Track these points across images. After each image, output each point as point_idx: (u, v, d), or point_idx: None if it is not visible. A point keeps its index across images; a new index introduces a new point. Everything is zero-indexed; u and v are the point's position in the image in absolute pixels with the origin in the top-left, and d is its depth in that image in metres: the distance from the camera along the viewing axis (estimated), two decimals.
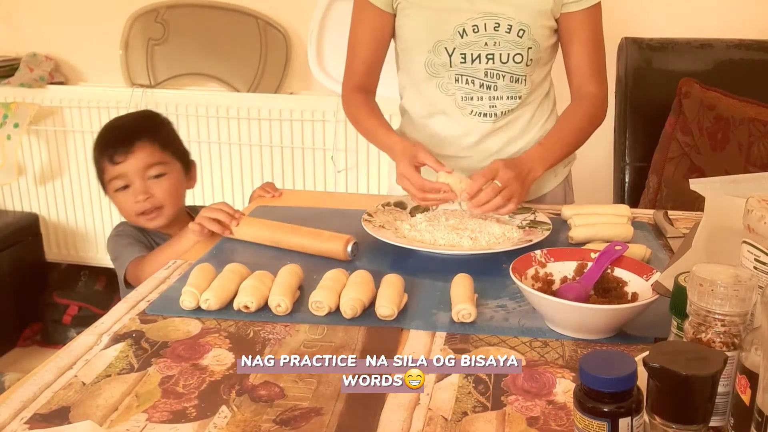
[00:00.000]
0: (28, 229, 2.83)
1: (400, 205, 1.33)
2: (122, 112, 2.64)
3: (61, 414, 0.74)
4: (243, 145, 2.60)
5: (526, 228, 1.23)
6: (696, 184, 1.07)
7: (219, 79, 2.63)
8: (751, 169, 1.90)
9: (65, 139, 2.76)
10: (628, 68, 2.04)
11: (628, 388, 0.56)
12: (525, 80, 1.35)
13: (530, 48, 1.32)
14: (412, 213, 1.31)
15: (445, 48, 1.32)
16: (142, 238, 1.46)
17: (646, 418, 0.57)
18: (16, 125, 2.69)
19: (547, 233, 1.18)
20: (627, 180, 2.07)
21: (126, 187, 1.44)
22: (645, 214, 1.39)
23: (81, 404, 0.76)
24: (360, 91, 1.44)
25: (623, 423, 0.56)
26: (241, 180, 2.63)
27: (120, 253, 1.41)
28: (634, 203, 2.00)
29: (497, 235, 1.20)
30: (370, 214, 1.25)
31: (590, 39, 1.36)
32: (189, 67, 2.65)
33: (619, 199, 2.05)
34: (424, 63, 1.36)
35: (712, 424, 0.62)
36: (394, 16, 1.37)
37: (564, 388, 0.79)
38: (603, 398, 0.56)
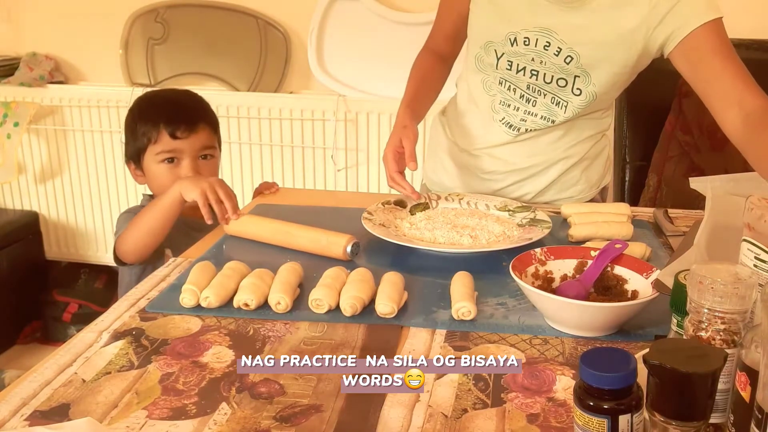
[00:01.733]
0: (29, 227, 2.83)
1: (400, 203, 1.33)
2: (122, 112, 2.65)
3: (61, 411, 0.74)
4: (243, 144, 2.60)
5: (526, 226, 1.23)
6: (696, 183, 1.07)
7: (219, 78, 2.63)
8: (750, 168, 1.89)
9: (65, 138, 2.76)
10: None
11: (628, 385, 0.56)
12: (566, 107, 1.30)
13: (577, 77, 1.26)
14: (412, 211, 1.31)
15: (495, 50, 1.30)
16: None
17: (646, 415, 0.57)
18: (16, 124, 2.69)
19: (547, 231, 1.18)
20: (627, 178, 2.07)
21: (172, 161, 1.44)
22: (645, 212, 1.39)
23: (81, 401, 0.76)
24: (431, 52, 1.46)
25: (623, 420, 0.56)
26: (241, 179, 2.63)
27: (119, 229, 1.41)
28: (634, 202, 2.00)
29: (497, 233, 1.20)
30: (370, 213, 1.25)
31: (722, 54, 1.18)
32: (189, 67, 2.65)
33: (619, 197, 2.05)
34: (474, 56, 1.35)
35: (712, 421, 0.62)
36: None
37: (564, 385, 0.78)
38: (603, 395, 0.56)
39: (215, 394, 0.77)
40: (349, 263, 1.11)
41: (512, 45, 1.28)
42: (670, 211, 1.35)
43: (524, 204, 1.33)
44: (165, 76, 2.65)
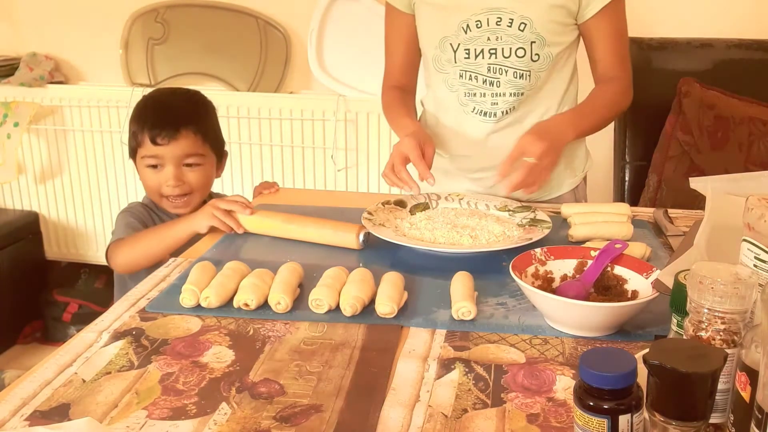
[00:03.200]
0: (29, 227, 2.83)
1: (400, 203, 1.33)
2: (122, 112, 2.66)
3: (61, 411, 0.74)
4: (243, 144, 2.60)
5: (526, 226, 1.23)
6: (696, 183, 1.07)
7: (219, 78, 2.63)
8: (751, 167, 1.90)
9: (65, 138, 2.76)
10: None
11: (628, 385, 0.56)
12: (529, 76, 1.34)
13: (533, 42, 1.31)
14: (412, 211, 1.31)
15: (450, 44, 1.34)
16: (149, 222, 1.44)
17: (646, 415, 0.57)
18: (16, 124, 2.69)
19: (547, 231, 1.18)
20: (627, 178, 2.07)
21: (157, 166, 1.42)
22: (645, 212, 1.39)
23: (81, 401, 0.76)
24: (395, 89, 1.48)
25: (623, 420, 0.56)
26: (241, 179, 2.63)
27: (117, 229, 1.40)
28: (634, 202, 2.01)
29: (497, 233, 1.20)
30: (370, 213, 1.25)
31: (613, 33, 1.36)
32: (189, 67, 2.65)
33: (619, 197, 2.05)
34: (431, 59, 1.38)
35: (712, 420, 0.62)
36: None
37: (564, 385, 0.79)
38: (603, 395, 0.56)
39: (215, 394, 0.77)
40: (349, 263, 1.11)
41: (466, 32, 1.32)
42: (670, 211, 1.35)
43: (524, 204, 1.33)
44: (165, 76, 2.65)
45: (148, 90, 2.53)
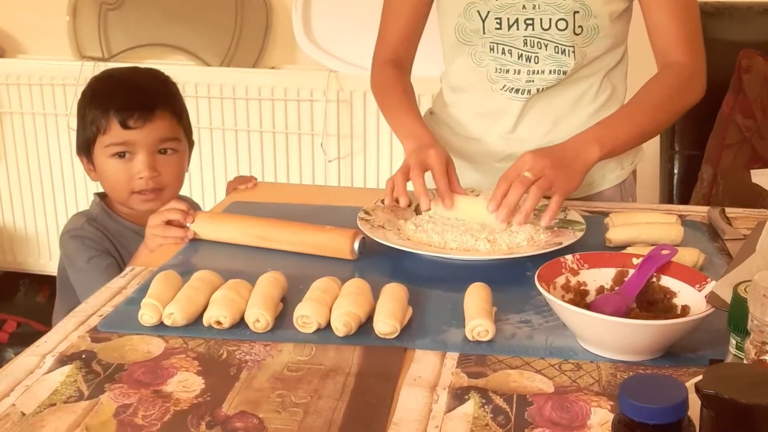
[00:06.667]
0: None
1: None
2: (69, 91, 2.66)
3: None
4: (215, 130, 2.61)
5: (555, 228, 1.23)
6: (759, 176, 1.08)
7: (186, 50, 2.64)
8: None
9: (0, 122, 2.76)
10: None
11: (678, 419, 0.56)
12: (573, 52, 1.34)
13: (577, 12, 1.31)
14: (418, 210, 1.31)
15: (478, 11, 1.34)
16: (106, 243, 1.44)
17: None
18: None
19: (580, 235, 1.18)
20: (676, 171, 2.08)
21: (124, 155, 1.43)
22: (698, 211, 1.39)
23: None
24: (391, 64, 1.46)
25: None
26: (212, 171, 2.63)
27: (79, 264, 1.39)
28: (684, 199, 2.01)
29: (520, 237, 1.20)
30: (367, 212, 1.25)
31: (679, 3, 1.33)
32: (150, 37, 2.65)
33: (667, 194, 2.05)
34: (455, 28, 1.38)
35: None
36: None
37: (600, 419, 0.79)
38: (647, 431, 0.56)
39: (181, 430, 0.77)
40: (343, 273, 1.11)
41: None
42: (727, 210, 1.35)
43: None
44: (121, 48, 2.66)
45: (101, 64, 2.57)
